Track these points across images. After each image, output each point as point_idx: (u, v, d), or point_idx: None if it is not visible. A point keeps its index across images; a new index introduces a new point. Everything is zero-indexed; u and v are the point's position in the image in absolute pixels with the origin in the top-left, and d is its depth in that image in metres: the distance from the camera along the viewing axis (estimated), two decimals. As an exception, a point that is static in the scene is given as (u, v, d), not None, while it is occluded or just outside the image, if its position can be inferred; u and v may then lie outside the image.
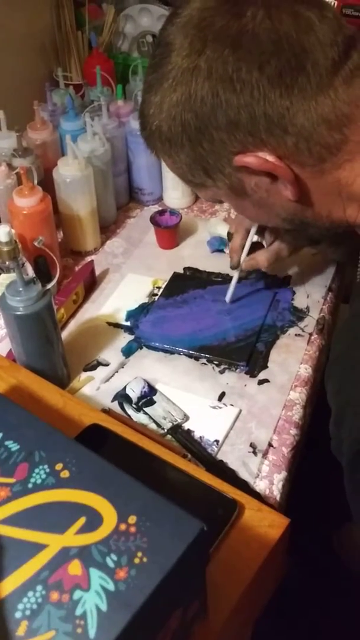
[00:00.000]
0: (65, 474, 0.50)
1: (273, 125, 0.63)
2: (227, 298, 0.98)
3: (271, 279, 1.03)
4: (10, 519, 0.48)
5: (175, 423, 0.81)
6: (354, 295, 0.71)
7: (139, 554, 0.44)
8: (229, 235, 0.98)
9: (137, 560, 0.44)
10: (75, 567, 0.44)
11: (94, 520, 0.47)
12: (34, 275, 0.80)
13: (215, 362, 0.90)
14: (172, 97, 0.65)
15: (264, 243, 0.95)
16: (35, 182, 0.99)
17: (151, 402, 0.83)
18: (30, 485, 0.50)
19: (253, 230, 0.91)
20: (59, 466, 0.51)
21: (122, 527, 0.46)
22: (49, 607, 0.43)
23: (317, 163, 0.66)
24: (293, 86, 0.61)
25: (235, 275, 0.96)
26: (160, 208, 1.21)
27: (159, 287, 1.04)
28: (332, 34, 0.62)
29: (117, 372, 0.89)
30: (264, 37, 0.60)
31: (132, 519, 0.47)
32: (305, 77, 0.61)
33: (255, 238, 0.93)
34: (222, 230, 1.08)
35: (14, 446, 0.53)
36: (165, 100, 0.66)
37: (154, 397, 0.84)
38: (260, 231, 0.93)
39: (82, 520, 0.47)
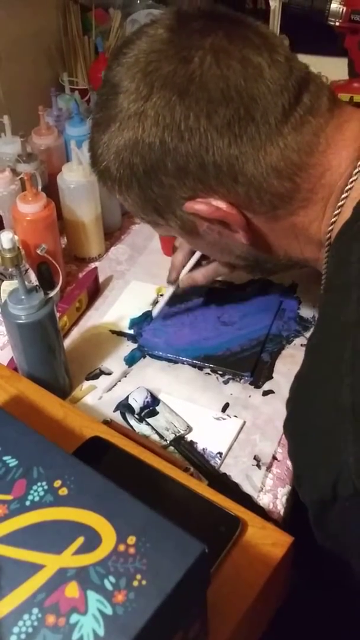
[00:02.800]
0: (63, 491, 0.49)
1: (222, 174, 0.62)
2: (154, 313, 0.96)
3: (277, 287, 1.01)
4: (6, 538, 0.47)
5: (178, 434, 0.79)
6: (308, 347, 0.68)
7: (138, 577, 0.43)
8: (174, 248, 0.96)
9: (136, 583, 0.43)
10: (72, 590, 0.43)
11: (92, 540, 0.46)
12: (37, 284, 0.80)
13: (219, 372, 0.89)
14: (119, 141, 0.64)
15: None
16: (40, 188, 0.98)
17: (154, 413, 0.82)
18: (28, 503, 0.49)
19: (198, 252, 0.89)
20: (57, 483, 0.50)
21: (121, 547, 0.45)
22: (44, 631, 0.42)
23: (270, 210, 0.65)
24: (242, 136, 0.60)
25: (168, 291, 0.94)
26: (165, 214, 1.20)
27: (163, 295, 1.03)
28: (283, 79, 0.61)
29: (119, 381, 0.88)
30: (212, 85, 0.59)
31: (132, 540, 0.45)
32: (255, 127, 0.60)
33: None
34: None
35: (12, 461, 0.52)
36: (112, 143, 0.65)
37: (157, 408, 0.83)
38: None
39: (80, 540, 0.46)
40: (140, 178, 0.65)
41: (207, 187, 0.64)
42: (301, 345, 0.92)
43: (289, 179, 0.63)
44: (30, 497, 0.49)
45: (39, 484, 0.50)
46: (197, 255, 0.90)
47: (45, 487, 0.50)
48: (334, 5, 1.24)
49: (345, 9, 1.25)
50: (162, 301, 0.95)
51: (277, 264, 0.75)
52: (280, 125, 0.61)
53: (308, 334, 0.94)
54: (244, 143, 0.61)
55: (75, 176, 1.02)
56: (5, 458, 0.52)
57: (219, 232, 0.69)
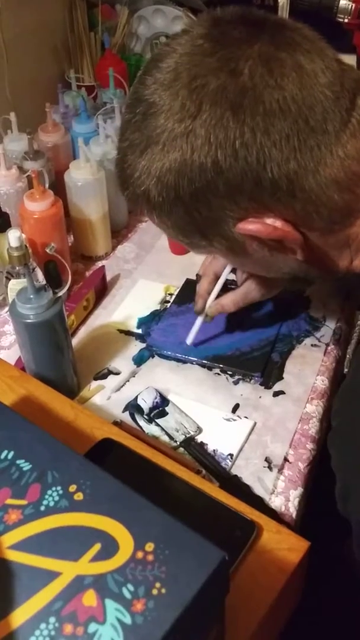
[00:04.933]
0: (79, 496, 0.48)
1: (280, 191, 0.58)
2: (189, 340, 0.91)
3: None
4: (21, 544, 0.46)
5: (188, 435, 0.79)
6: (356, 353, 0.66)
7: (157, 585, 0.42)
8: (197, 277, 0.93)
9: (155, 592, 0.42)
10: (90, 598, 0.42)
11: (109, 547, 0.45)
12: (45, 282, 0.78)
13: (229, 373, 0.88)
14: (164, 163, 0.59)
15: (237, 281, 0.89)
16: (47, 185, 0.97)
17: (163, 413, 0.81)
18: (42, 508, 0.48)
19: (224, 276, 0.86)
20: (72, 488, 0.49)
21: (139, 555, 0.44)
22: (62, 641, 0.41)
23: (327, 225, 0.62)
24: (301, 149, 0.57)
25: (198, 320, 0.90)
26: (172, 212, 1.19)
27: (171, 294, 1.02)
28: (339, 86, 0.58)
29: (128, 381, 0.87)
30: (267, 98, 0.55)
31: (150, 547, 0.44)
32: (314, 138, 0.57)
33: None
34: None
35: (25, 466, 0.51)
36: (154, 165, 0.60)
37: (166, 408, 0.82)
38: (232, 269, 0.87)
39: (97, 547, 0.45)
40: (186, 201, 0.61)
41: (262, 206, 0.60)
42: (312, 345, 0.91)
43: (349, 191, 0.60)
44: (45, 502, 0.48)
45: (53, 488, 0.49)
46: (222, 281, 0.87)
47: (60, 492, 0.49)
48: (343, 2, 1.23)
49: (354, 5, 1.24)
50: (195, 327, 0.91)
51: (321, 276, 0.73)
52: (340, 134, 0.58)
53: (318, 334, 0.93)
54: (303, 156, 0.57)
55: (83, 174, 1.01)
56: (18, 462, 0.51)
57: (269, 250, 0.65)
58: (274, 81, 0.55)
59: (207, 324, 0.93)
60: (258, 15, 0.61)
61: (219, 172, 0.58)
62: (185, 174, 0.59)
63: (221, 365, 0.88)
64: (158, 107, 0.58)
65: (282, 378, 0.87)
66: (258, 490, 0.73)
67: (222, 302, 0.88)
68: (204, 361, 0.89)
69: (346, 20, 1.24)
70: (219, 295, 0.88)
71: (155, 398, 0.82)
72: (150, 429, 0.79)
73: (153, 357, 0.91)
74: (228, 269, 0.86)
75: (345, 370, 0.99)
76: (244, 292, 0.86)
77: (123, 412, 0.82)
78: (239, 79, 0.55)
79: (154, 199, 0.62)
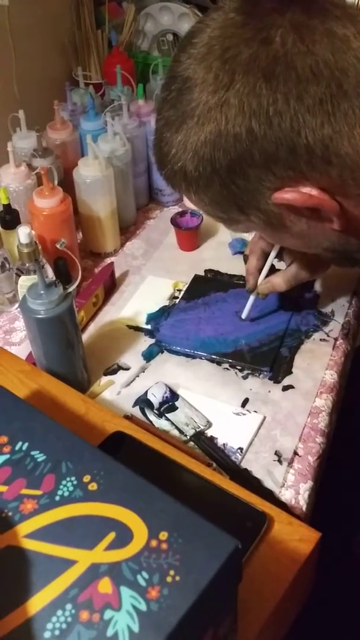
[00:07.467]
0: (93, 486, 0.49)
1: (315, 157, 0.58)
2: (244, 315, 0.93)
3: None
4: (37, 533, 0.46)
5: (198, 430, 0.79)
6: None
7: (171, 572, 0.43)
8: (245, 256, 0.94)
9: (169, 579, 0.43)
10: (105, 585, 0.43)
11: (124, 535, 0.45)
12: (56, 278, 0.79)
13: (238, 368, 0.88)
14: (199, 136, 0.60)
15: (285, 262, 0.90)
16: (56, 182, 0.98)
17: (173, 408, 0.82)
18: (57, 498, 0.48)
19: (273, 253, 0.86)
20: (86, 478, 0.49)
21: (153, 543, 0.45)
22: (79, 627, 0.41)
23: None
24: (335, 113, 0.57)
25: (251, 299, 0.91)
26: (180, 209, 1.19)
27: (179, 290, 1.02)
28: None
29: (137, 376, 0.88)
30: (300, 64, 0.55)
31: (164, 535, 0.45)
32: (348, 102, 0.57)
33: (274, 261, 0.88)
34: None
35: (40, 457, 0.51)
36: (190, 140, 0.61)
37: (176, 403, 0.82)
38: (279, 252, 0.87)
39: (111, 536, 0.45)
40: (223, 174, 0.61)
41: (298, 174, 0.60)
42: (320, 339, 0.92)
43: None
44: (59, 492, 0.49)
45: (68, 479, 0.50)
46: (272, 258, 0.87)
47: (75, 482, 0.49)
48: (349, -3, 1.23)
49: (359, 1, 1.24)
50: (249, 303, 0.92)
51: None
52: None
53: (327, 329, 0.93)
54: (337, 121, 0.57)
55: (92, 171, 1.02)
56: (33, 453, 0.52)
57: (307, 221, 0.65)
58: (305, 47, 0.56)
59: (215, 318, 0.93)
60: None
61: (254, 141, 0.58)
62: (220, 146, 0.59)
63: (230, 360, 0.89)
64: (192, 81, 0.59)
65: (291, 372, 0.87)
66: (268, 483, 0.74)
67: (274, 281, 0.88)
68: (213, 356, 0.89)
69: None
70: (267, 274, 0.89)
71: (165, 393, 0.83)
72: (161, 423, 0.80)
73: (162, 352, 0.91)
74: (277, 246, 0.86)
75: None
76: (294, 272, 0.87)
77: (133, 406, 0.83)
78: (271, 47, 0.56)
79: (190, 174, 0.62)
